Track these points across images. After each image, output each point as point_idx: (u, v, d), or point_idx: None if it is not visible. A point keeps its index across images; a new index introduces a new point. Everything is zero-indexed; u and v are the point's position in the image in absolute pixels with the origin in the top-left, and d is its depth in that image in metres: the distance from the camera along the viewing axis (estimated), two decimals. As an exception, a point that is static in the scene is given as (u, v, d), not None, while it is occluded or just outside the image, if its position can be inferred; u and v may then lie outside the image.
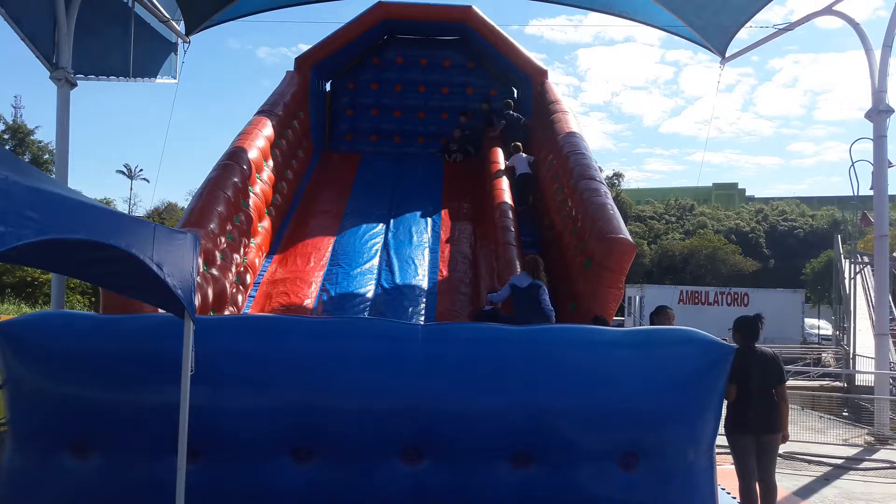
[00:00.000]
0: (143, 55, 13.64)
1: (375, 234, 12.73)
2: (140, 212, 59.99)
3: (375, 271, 11.69)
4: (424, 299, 11.07)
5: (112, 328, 5.86)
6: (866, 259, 24.74)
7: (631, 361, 5.64)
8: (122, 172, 68.67)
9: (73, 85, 10.83)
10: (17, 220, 2.85)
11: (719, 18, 14.74)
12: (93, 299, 31.35)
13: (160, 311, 5.29)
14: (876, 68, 12.19)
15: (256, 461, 5.67)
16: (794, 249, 57.92)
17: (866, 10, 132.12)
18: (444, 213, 13.55)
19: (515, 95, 16.77)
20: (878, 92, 12.15)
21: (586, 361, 5.65)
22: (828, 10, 13.26)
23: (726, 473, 7.10)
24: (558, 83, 15.37)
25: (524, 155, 13.61)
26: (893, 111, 12.25)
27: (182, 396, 4.78)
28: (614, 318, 10.85)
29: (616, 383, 5.56)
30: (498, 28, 15.95)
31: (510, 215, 11.75)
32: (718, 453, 6.26)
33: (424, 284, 11.45)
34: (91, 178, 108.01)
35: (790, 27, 14.39)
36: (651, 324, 8.42)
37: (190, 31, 14.90)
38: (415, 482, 5.67)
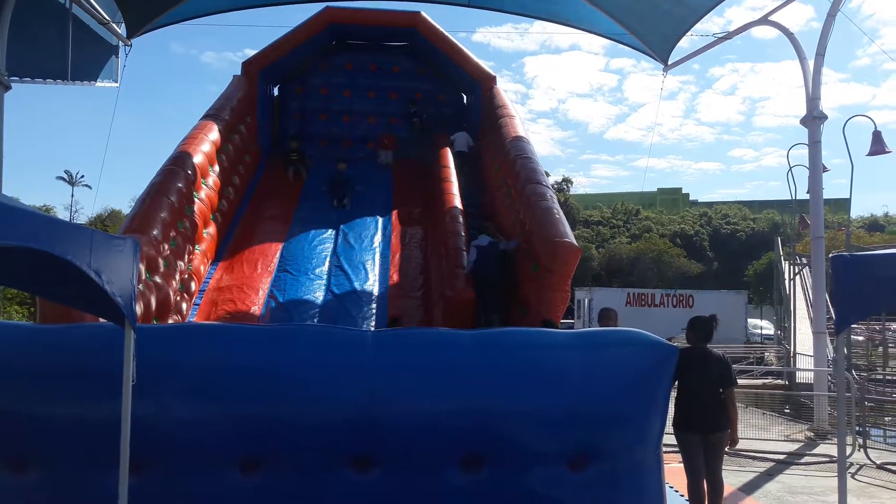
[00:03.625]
0: (82, 58, 13.23)
1: (325, 240, 12.62)
2: (82, 219, 58.13)
3: (325, 277, 11.58)
4: (375, 305, 11.03)
5: (50, 338, 5.65)
6: (805, 260, 25.60)
7: (578, 363, 5.70)
8: (63, 179, 66.40)
9: (7, 87, 10.47)
10: (-57, 226, 2.73)
11: (661, 27, 15.09)
12: (32, 310, 30.19)
13: (101, 320, 5.13)
14: (809, 76, 12.62)
15: (202, 473, 5.52)
16: (736, 252, 59.54)
17: (799, 21, 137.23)
18: (395, 217, 13.53)
19: (465, 101, 16.89)
20: (812, 99, 12.57)
21: (535, 364, 5.68)
22: (763, 20, 13.72)
23: (674, 471, 7.24)
24: (506, 90, 15.49)
25: (466, 135, 14.99)
26: (827, 117, 12.70)
27: (123, 407, 4.64)
28: (565, 320, 11.12)
29: (564, 385, 5.60)
30: (447, 34, 16.02)
31: (461, 220, 11.79)
32: (666, 452, 6.37)
33: (375, 290, 11.40)
34: (29, 184, 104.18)
35: (729, 36, 14.83)
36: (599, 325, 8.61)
37: (131, 33, 14.52)
38: (366, 491, 5.61)
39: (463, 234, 11.52)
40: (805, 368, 18.39)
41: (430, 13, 16.12)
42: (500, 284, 10.20)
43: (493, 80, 15.45)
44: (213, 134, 12.37)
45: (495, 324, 9.86)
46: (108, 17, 13.66)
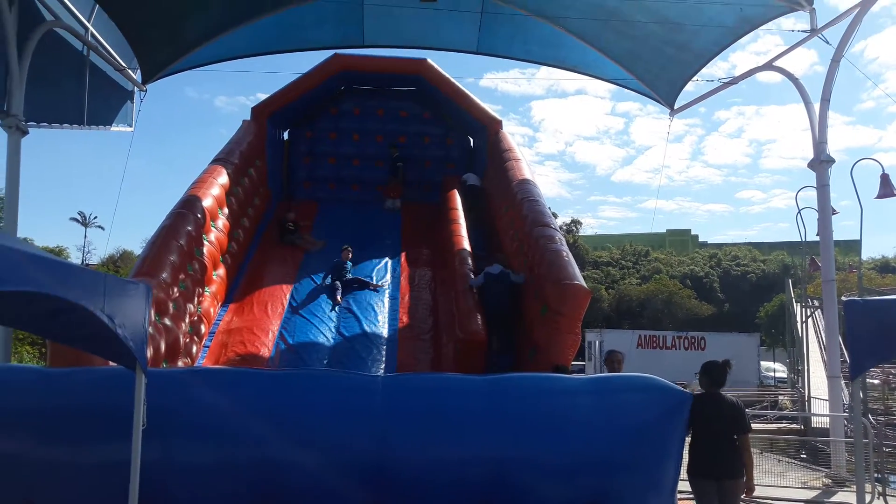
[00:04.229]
0: (99, 103, 13.46)
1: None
2: (94, 260, 58.47)
3: (335, 319, 11.56)
4: (385, 347, 10.97)
5: (60, 382, 5.66)
6: (817, 303, 25.37)
7: (590, 409, 5.65)
8: (76, 220, 66.98)
9: (25, 133, 10.61)
10: (-39, 273, 2.76)
11: (667, 73, 15.27)
12: (42, 350, 30.19)
13: (111, 363, 5.13)
14: (816, 121, 12.65)
15: (210, 519, 5.47)
16: (747, 293, 59.12)
17: (804, 65, 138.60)
18: (404, 259, 13.55)
19: (472, 144, 17.07)
20: (819, 143, 12.56)
21: (546, 410, 5.63)
22: (768, 66, 13.85)
23: (688, 519, 7.07)
24: (513, 133, 15.70)
25: (475, 175, 15.60)
26: (834, 161, 12.68)
27: (133, 452, 4.61)
28: (575, 362, 11.10)
29: (576, 431, 5.54)
30: (452, 80, 16.28)
31: (469, 262, 11.80)
32: (681, 499, 6.25)
33: (384, 332, 11.35)
34: (43, 225, 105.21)
35: (734, 81, 14.97)
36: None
37: (146, 79, 14.80)
38: (375, 537, 5.52)
39: (473, 276, 11.52)
40: (820, 414, 18.08)
41: (437, 59, 16.44)
42: (509, 312, 10.64)
43: (499, 124, 15.64)
44: (223, 177, 12.52)
45: (494, 346, 10.21)
46: (123, 64, 13.95)
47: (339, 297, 11.96)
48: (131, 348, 4.31)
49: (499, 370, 9.37)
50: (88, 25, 12.49)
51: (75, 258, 55.85)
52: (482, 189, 15.15)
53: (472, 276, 11.11)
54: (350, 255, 12.65)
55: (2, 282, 3.04)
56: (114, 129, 14.73)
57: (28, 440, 5.40)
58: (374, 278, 12.74)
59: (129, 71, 14.27)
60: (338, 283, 12.22)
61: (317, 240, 13.95)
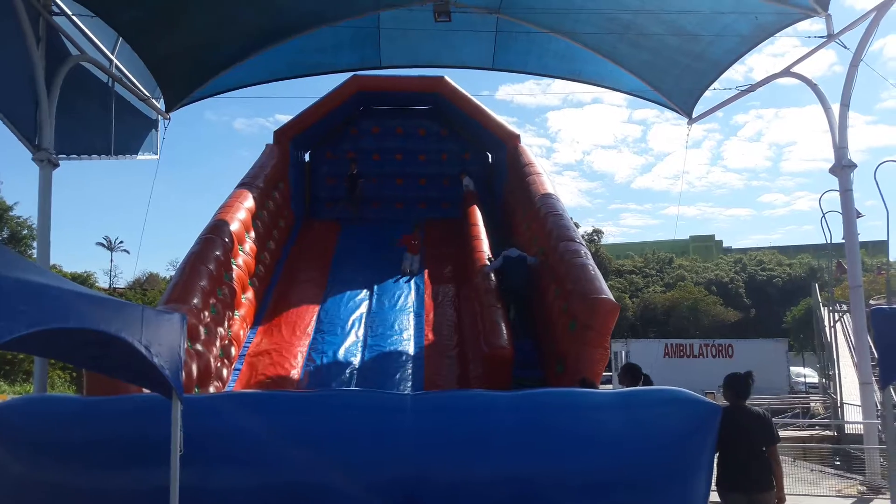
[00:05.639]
0: (125, 133, 13.77)
1: (359, 301, 12.76)
2: (121, 283, 59.50)
3: (361, 339, 11.67)
4: (411, 365, 11.05)
5: (98, 411, 5.80)
6: (845, 307, 25.00)
7: (619, 424, 5.66)
8: (102, 245, 68.32)
9: (56, 165, 10.87)
10: (9, 313, 2.89)
11: (684, 83, 15.27)
12: (73, 374, 30.79)
13: (145, 390, 5.27)
14: (836, 125, 12.50)
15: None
16: (773, 298, 58.37)
17: (822, 67, 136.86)
18: (427, 276, 13.65)
19: (490, 160, 17.19)
20: (840, 148, 12.39)
21: (574, 426, 5.66)
22: (786, 73, 13.76)
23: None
24: (531, 145, 15.81)
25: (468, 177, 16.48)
26: (856, 166, 12.48)
27: (172, 477, 4.72)
28: (602, 373, 11.05)
29: (605, 447, 5.57)
30: (469, 96, 16.47)
31: (493, 277, 11.86)
32: (712, 512, 6.22)
33: (411, 350, 11.44)
34: (70, 250, 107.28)
35: (752, 88, 14.90)
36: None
37: (170, 108, 15.13)
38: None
39: (494, 289, 11.59)
40: (852, 421, 17.78)
41: (453, 75, 16.65)
42: (525, 292, 11.67)
43: (517, 138, 15.74)
44: (248, 201, 12.74)
45: (511, 315, 11.09)
46: (147, 94, 14.27)
47: None
48: (167, 377, 4.44)
49: (519, 383, 9.42)
50: (113, 58, 12.83)
51: (102, 282, 56.80)
52: (477, 195, 15.79)
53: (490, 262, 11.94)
54: None
55: (47, 321, 3.17)
56: (140, 157, 15.03)
57: (71, 468, 5.53)
58: (398, 298, 12.84)
59: (153, 100, 14.59)
60: None
61: None
